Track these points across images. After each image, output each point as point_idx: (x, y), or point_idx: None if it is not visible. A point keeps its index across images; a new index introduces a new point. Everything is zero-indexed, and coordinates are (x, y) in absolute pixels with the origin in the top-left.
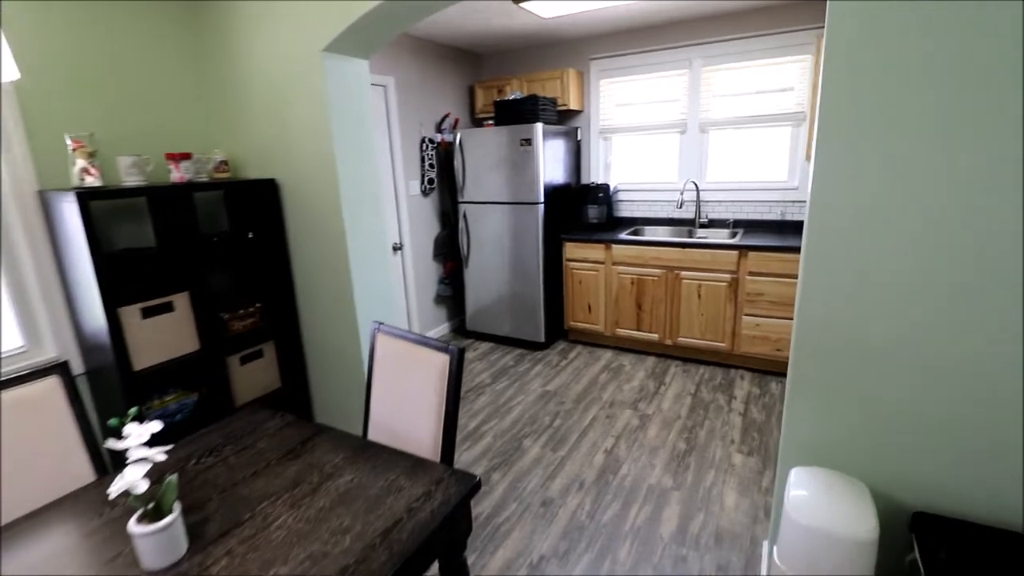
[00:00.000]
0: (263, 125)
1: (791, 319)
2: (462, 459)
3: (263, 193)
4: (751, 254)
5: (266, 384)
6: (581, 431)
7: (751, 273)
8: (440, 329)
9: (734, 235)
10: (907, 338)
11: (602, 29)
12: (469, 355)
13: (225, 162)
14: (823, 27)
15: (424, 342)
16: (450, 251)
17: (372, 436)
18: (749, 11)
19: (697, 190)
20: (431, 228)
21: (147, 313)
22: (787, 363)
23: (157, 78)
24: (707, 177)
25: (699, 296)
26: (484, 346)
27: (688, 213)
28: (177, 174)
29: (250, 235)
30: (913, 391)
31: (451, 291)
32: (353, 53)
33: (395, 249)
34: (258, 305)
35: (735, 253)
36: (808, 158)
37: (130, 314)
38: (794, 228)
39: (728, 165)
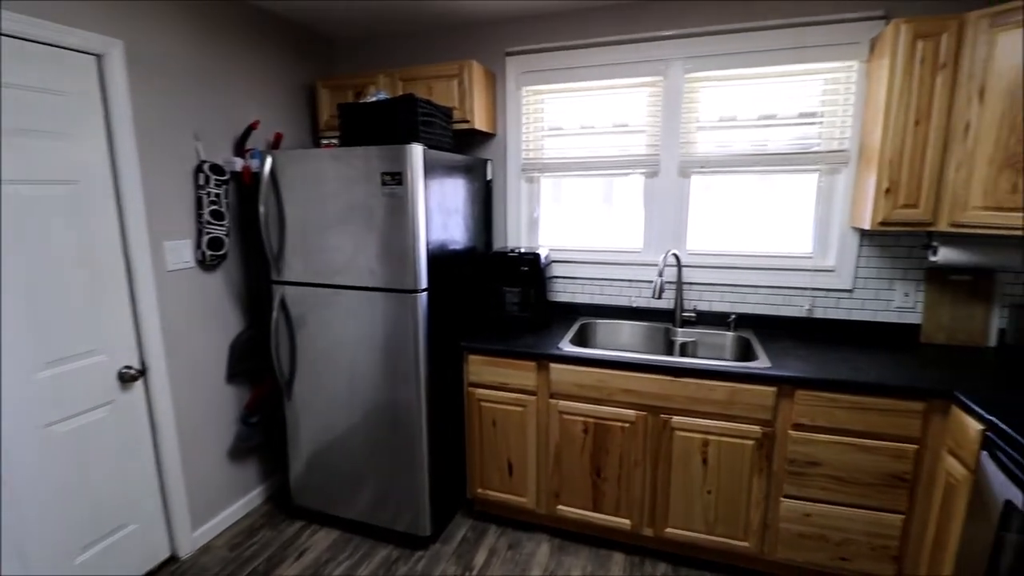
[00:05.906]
0: None
1: (864, 508)
2: None
3: None
4: (799, 392)
5: None
6: None
7: (797, 426)
8: (244, 502)
9: (744, 346)
10: None
11: (527, 7)
12: (287, 574)
13: None
14: (883, 18)
15: None
16: (258, 367)
17: None
18: None
19: (679, 265)
20: (223, 327)
21: None
22: None
23: None
24: (687, 244)
25: (704, 460)
26: (319, 542)
27: (667, 303)
28: None
29: None
30: None
31: (262, 435)
32: None
33: (126, 379)
34: None
35: (770, 390)
36: (856, 222)
37: None
38: (830, 331)
39: (720, 226)
